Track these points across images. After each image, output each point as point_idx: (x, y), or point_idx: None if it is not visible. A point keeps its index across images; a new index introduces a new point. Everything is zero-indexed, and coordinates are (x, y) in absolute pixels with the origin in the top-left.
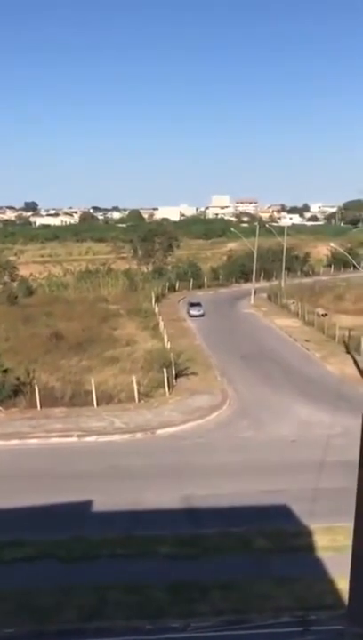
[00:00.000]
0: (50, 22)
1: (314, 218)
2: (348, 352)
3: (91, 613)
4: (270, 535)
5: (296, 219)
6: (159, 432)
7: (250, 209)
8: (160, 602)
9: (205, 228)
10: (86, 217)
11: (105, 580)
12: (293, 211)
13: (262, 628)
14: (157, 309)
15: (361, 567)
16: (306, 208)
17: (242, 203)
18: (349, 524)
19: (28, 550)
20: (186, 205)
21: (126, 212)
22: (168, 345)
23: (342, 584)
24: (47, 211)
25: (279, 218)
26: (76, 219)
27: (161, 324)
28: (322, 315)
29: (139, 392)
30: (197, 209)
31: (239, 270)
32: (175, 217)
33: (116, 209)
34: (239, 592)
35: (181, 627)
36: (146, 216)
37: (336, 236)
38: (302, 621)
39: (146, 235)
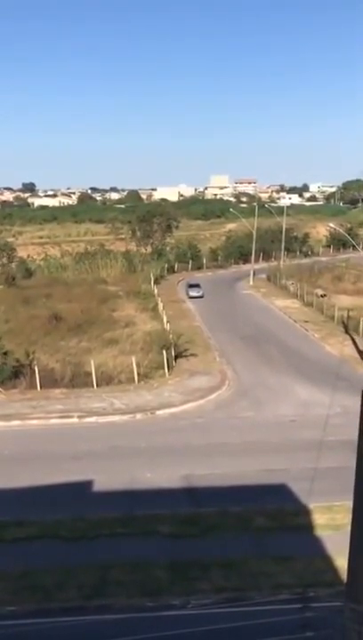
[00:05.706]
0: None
1: (313, 198)
2: (347, 332)
3: (92, 592)
4: (270, 514)
5: (295, 199)
6: (159, 413)
7: (249, 189)
8: (161, 580)
9: (204, 208)
10: (84, 198)
11: (106, 558)
12: (292, 191)
13: (261, 605)
14: (156, 291)
15: (360, 545)
16: (305, 188)
17: (241, 183)
18: (348, 503)
19: (30, 530)
20: (185, 186)
21: (125, 193)
22: (167, 326)
23: (341, 561)
24: (45, 192)
25: (278, 198)
26: (74, 199)
27: (160, 305)
28: (321, 295)
29: (138, 373)
30: (195, 189)
31: (238, 251)
32: (174, 197)
33: (114, 189)
34: (239, 570)
35: (181, 604)
36: (144, 197)
37: (335, 216)
38: (301, 598)
39: (144, 215)
